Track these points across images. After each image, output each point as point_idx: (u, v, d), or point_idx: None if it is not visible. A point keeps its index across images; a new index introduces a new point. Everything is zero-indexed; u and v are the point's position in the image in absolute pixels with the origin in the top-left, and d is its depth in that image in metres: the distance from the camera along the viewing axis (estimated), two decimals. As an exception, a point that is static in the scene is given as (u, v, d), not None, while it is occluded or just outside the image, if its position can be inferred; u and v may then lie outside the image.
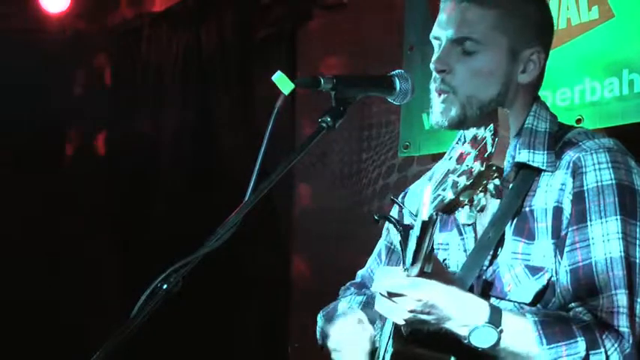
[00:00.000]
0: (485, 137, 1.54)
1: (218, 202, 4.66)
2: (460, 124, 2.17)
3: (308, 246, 4.97)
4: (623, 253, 1.99)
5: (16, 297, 5.31)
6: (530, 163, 2.12)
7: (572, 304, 2.00)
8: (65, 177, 5.87)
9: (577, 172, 2.06)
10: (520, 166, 2.13)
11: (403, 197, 2.50)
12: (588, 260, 2.00)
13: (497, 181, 1.54)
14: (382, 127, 4.52)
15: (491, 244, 2.09)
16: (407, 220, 2.26)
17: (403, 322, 1.90)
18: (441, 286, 1.89)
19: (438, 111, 2.17)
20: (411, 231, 1.86)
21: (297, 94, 3.25)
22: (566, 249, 2.03)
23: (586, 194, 2.04)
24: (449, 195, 1.58)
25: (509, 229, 2.11)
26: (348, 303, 2.42)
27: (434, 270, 1.87)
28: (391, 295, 1.88)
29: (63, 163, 5.98)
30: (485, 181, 1.54)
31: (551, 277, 2.05)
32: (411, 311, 1.87)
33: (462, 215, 1.61)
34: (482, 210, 1.59)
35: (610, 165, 2.05)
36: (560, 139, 2.16)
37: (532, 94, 2.22)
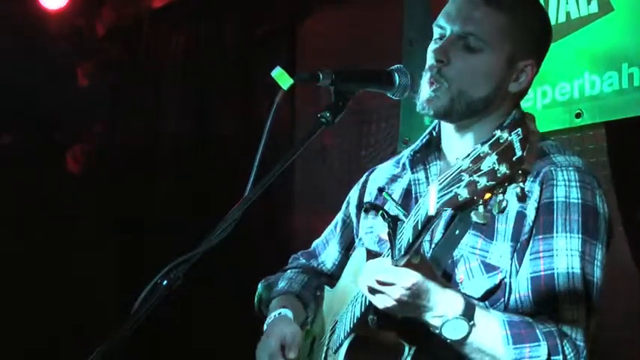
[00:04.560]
0: (511, 140, 1.58)
1: (218, 197, 4.65)
2: (445, 115, 2.21)
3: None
4: (581, 270, 2.05)
5: (16, 297, 5.30)
6: None
7: (533, 311, 2.05)
8: (62, 177, 5.85)
9: (547, 183, 2.11)
10: None
11: (369, 174, 2.55)
12: (551, 270, 2.05)
13: (522, 185, 1.59)
14: (382, 123, 4.51)
15: (457, 240, 2.12)
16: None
17: (383, 307, 1.95)
18: (426, 278, 1.93)
19: (425, 98, 2.18)
20: (401, 223, 1.88)
21: (296, 90, 3.25)
22: (530, 257, 2.08)
23: (555, 206, 2.09)
24: (464, 193, 1.61)
25: None
26: (288, 281, 2.62)
27: (420, 262, 1.91)
28: (381, 284, 1.92)
29: (60, 163, 5.96)
30: (507, 184, 1.59)
31: (504, 278, 2.09)
32: (396, 300, 1.92)
33: (477, 215, 1.64)
34: (502, 211, 1.63)
35: (578, 184, 2.11)
36: None
37: (515, 103, 2.26)
